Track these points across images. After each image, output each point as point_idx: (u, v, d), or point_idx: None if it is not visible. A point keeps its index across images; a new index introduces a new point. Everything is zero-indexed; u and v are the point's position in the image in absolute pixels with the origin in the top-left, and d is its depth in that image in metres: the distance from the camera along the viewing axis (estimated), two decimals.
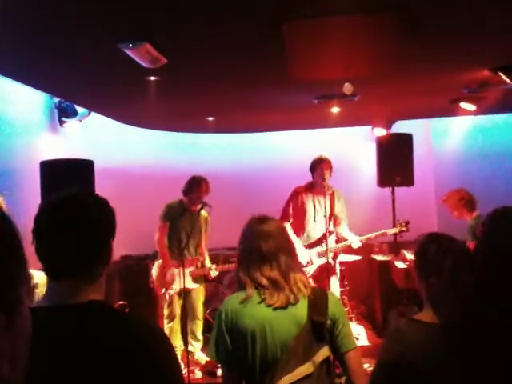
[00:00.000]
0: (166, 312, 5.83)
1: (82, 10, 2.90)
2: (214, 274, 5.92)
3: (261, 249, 2.33)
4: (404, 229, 6.14)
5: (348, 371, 2.29)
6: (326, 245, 5.62)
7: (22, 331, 0.70)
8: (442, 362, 2.05)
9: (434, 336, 2.09)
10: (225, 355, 2.32)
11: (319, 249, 5.86)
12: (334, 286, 5.93)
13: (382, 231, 6.06)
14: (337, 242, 6.03)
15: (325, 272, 5.73)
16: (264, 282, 2.29)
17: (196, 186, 5.75)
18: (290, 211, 5.91)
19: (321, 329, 2.25)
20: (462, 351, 2.04)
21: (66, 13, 2.94)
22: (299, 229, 5.90)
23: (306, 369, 2.20)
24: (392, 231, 6.16)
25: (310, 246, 5.90)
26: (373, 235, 5.99)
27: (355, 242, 5.87)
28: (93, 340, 1.37)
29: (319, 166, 5.79)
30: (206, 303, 6.45)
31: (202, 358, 5.92)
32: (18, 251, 0.69)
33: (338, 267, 6.12)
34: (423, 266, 2.22)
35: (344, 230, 6.00)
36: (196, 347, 5.97)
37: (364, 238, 5.94)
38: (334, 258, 5.98)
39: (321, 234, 5.81)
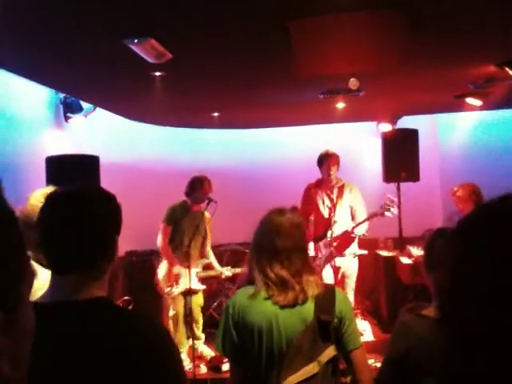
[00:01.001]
0: (171, 313, 5.84)
1: (87, 6, 2.90)
2: (227, 273, 5.97)
3: (275, 245, 2.30)
4: (391, 208, 5.78)
5: (354, 369, 2.28)
6: (331, 235, 5.66)
7: (23, 330, 0.69)
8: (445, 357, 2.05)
9: (438, 332, 2.09)
10: (231, 349, 2.33)
11: (325, 240, 5.88)
12: (350, 284, 5.99)
13: (371, 214, 5.86)
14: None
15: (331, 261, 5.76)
16: (273, 278, 2.27)
17: (199, 186, 5.77)
18: (302, 208, 6.02)
19: (327, 327, 2.24)
20: (465, 348, 2.04)
21: (70, 9, 2.93)
22: (318, 223, 6.01)
23: (311, 369, 2.19)
24: (379, 212, 5.81)
25: (317, 238, 5.93)
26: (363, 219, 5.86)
27: (350, 226, 5.84)
28: (96, 337, 1.37)
29: (326, 161, 5.86)
30: (211, 298, 6.46)
31: (208, 353, 5.93)
32: (20, 247, 0.68)
33: (356, 264, 6.10)
34: (431, 260, 2.22)
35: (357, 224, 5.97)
36: (198, 344, 5.97)
37: (355, 224, 5.87)
38: (340, 250, 5.98)
39: (329, 227, 5.84)
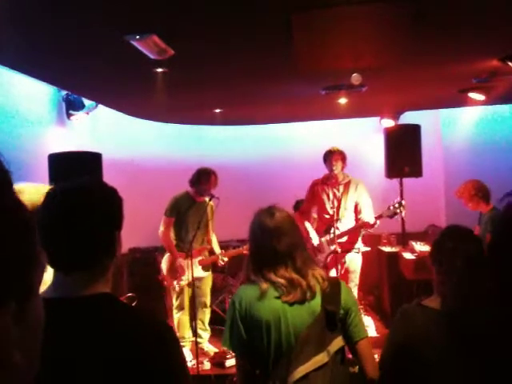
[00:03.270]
0: (175, 303, 5.87)
1: (88, 2, 2.89)
2: (222, 259, 5.98)
3: (275, 249, 2.28)
4: (397, 211, 5.73)
5: (360, 359, 2.31)
6: (334, 232, 5.66)
7: (35, 320, 0.69)
8: (442, 347, 2.07)
9: (436, 322, 2.12)
10: (238, 344, 2.34)
11: (327, 237, 5.89)
12: (354, 279, 6.01)
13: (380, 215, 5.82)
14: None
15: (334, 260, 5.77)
16: (281, 281, 2.27)
17: (205, 178, 5.74)
18: (307, 204, 6.12)
19: (333, 318, 2.26)
20: (461, 339, 2.07)
21: (71, 5, 2.93)
22: (322, 219, 6.09)
23: (321, 358, 2.21)
24: (386, 213, 5.77)
25: (320, 234, 5.96)
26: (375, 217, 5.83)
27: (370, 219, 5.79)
28: (99, 332, 1.37)
29: (328, 158, 5.93)
30: (215, 294, 6.47)
31: (211, 349, 5.94)
32: (33, 238, 0.68)
33: (360, 260, 6.08)
34: (437, 254, 2.27)
35: (368, 217, 5.92)
36: (204, 337, 6.00)
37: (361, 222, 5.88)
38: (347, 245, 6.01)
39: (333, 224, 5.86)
